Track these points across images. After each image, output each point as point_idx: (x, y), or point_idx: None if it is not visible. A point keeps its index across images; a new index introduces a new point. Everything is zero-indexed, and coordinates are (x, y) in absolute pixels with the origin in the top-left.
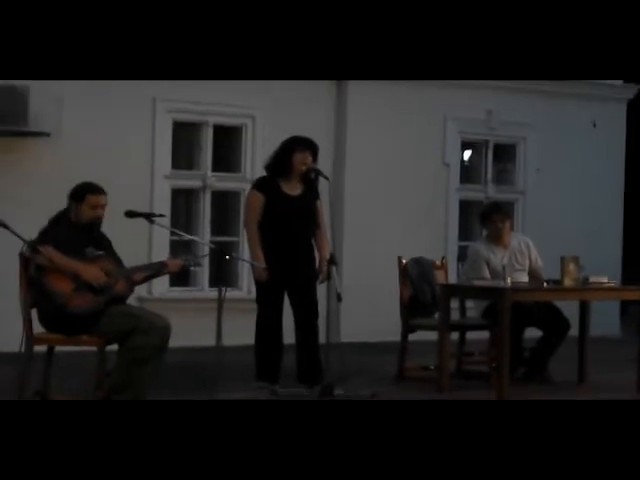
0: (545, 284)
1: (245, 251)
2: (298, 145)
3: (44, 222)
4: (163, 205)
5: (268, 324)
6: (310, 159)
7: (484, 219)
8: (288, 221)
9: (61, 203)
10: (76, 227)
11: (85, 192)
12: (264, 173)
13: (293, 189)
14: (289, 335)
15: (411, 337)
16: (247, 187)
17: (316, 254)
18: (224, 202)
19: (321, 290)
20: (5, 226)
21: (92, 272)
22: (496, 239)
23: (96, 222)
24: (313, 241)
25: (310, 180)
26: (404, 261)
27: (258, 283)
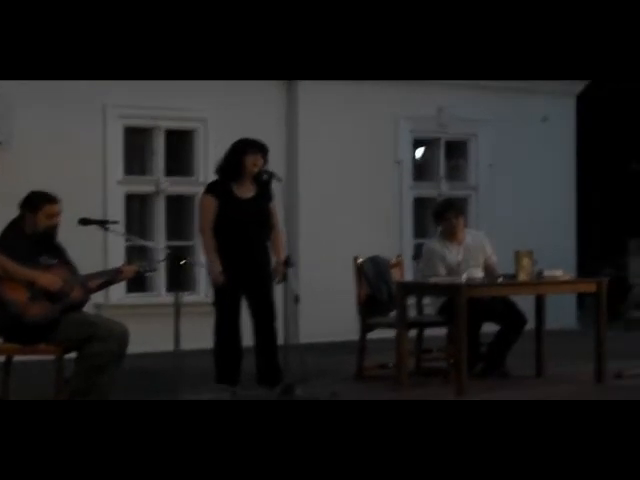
0: (500, 279)
1: (201, 255)
2: (248, 147)
3: None
4: (117, 211)
5: (226, 327)
6: (261, 161)
7: (438, 216)
8: (242, 224)
9: (13, 211)
10: (29, 236)
11: (40, 201)
12: (216, 177)
13: (246, 192)
14: (248, 337)
15: (369, 336)
16: (201, 191)
17: (272, 256)
18: (178, 206)
19: (278, 292)
20: None
21: (47, 279)
22: (450, 236)
23: (52, 231)
24: (268, 243)
25: (263, 182)
26: (360, 260)
27: (215, 287)
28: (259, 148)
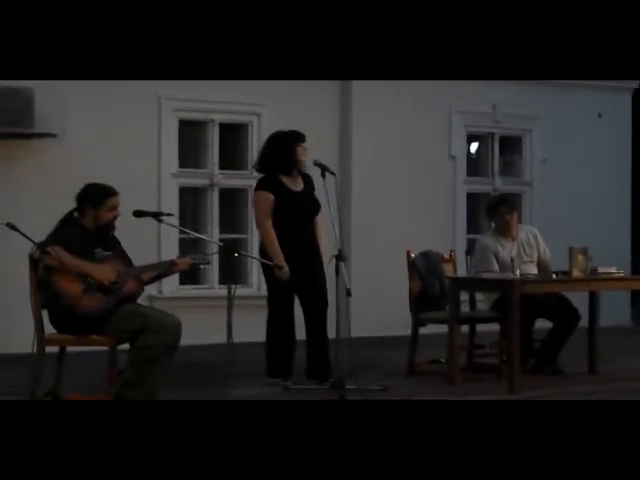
0: (554, 275)
1: (254, 248)
2: (295, 138)
3: (52, 223)
4: (171, 204)
5: (280, 321)
6: (306, 150)
7: (492, 212)
8: (297, 218)
9: (69, 204)
10: (86, 228)
11: (103, 195)
12: (260, 173)
13: (297, 185)
14: (299, 331)
15: (421, 331)
16: (254, 184)
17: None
18: (232, 200)
19: (330, 286)
20: (14, 228)
21: (101, 271)
22: (504, 231)
23: (113, 223)
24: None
25: (306, 173)
26: (412, 255)
27: (270, 281)
28: (303, 139)
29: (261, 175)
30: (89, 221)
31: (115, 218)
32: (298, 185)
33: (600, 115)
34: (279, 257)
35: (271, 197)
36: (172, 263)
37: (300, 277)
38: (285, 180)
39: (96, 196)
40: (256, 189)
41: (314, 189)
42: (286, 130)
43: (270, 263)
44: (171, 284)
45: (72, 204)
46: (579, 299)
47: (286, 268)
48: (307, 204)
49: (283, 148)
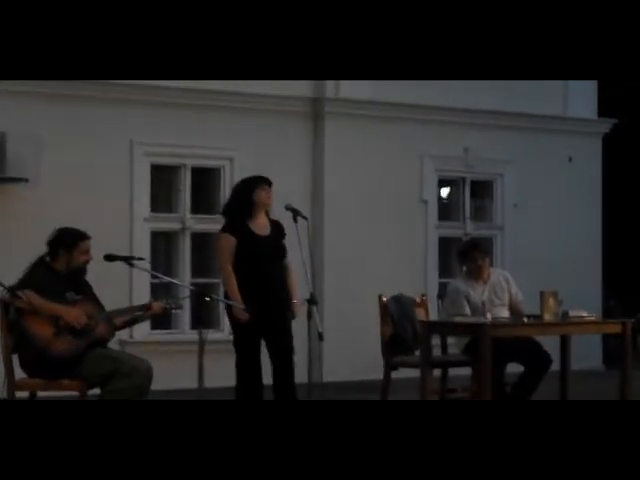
0: (525, 319)
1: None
2: (258, 182)
3: (23, 267)
4: (143, 248)
5: (248, 367)
6: (271, 193)
7: (464, 256)
8: (261, 262)
9: (40, 248)
10: (58, 272)
11: (76, 239)
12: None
13: (262, 229)
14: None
15: (393, 375)
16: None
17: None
18: (204, 244)
19: (302, 329)
20: None
21: (72, 315)
22: (476, 275)
23: (85, 267)
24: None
25: (274, 220)
26: (384, 299)
27: (235, 326)
28: (267, 182)
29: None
30: (61, 265)
31: (87, 262)
32: (264, 230)
33: (570, 159)
34: (235, 298)
35: (233, 240)
36: (147, 307)
37: (265, 321)
38: (250, 224)
39: (68, 240)
40: (220, 232)
41: (283, 236)
42: (255, 175)
43: (239, 305)
44: (143, 329)
45: (43, 248)
46: (550, 343)
47: (245, 309)
48: (272, 248)
49: (244, 192)
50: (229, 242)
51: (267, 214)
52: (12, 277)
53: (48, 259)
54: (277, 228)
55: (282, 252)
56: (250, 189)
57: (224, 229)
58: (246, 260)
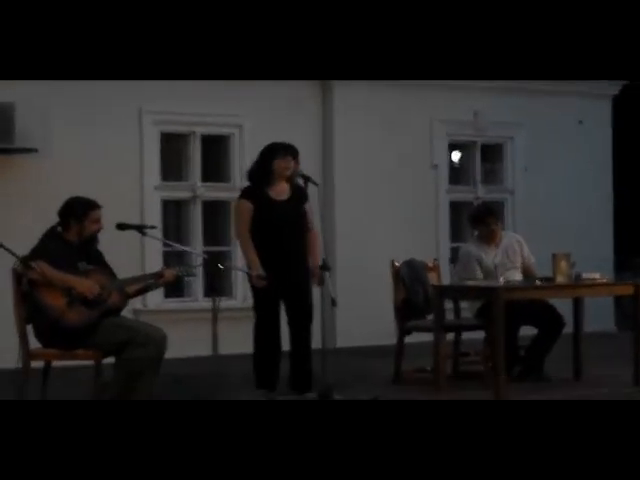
0: (538, 282)
1: (238, 260)
2: (278, 151)
3: (34, 238)
4: (154, 217)
5: (266, 332)
6: (292, 163)
7: (477, 221)
8: (278, 227)
9: (51, 219)
10: (70, 242)
11: (86, 208)
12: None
13: (280, 195)
14: (284, 342)
15: (407, 339)
16: (237, 196)
17: (309, 258)
18: (215, 212)
19: (315, 296)
20: None
21: (85, 285)
22: (488, 239)
23: (96, 237)
24: (304, 246)
25: (297, 184)
26: (397, 264)
27: (255, 291)
28: (288, 151)
29: (246, 185)
30: (72, 235)
31: (98, 231)
32: (282, 195)
33: (581, 122)
34: (254, 265)
35: (250, 206)
36: (159, 274)
37: (284, 286)
38: (269, 190)
39: (79, 209)
40: (238, 198)
41: (303, 201)
42: (280, 142)
43: (250, 272)
44: (156, 297)
45: (55, 219)
46: (563, 305)
47: (263, 275)
48: (290, 213)
49: (265, 159)
50: (246, 208)
51: (289, 180)
52: (24, 248)
53: (60, 229)
54: (298, 193)
55: (301, 216)
56: (271, 157)
57: (242, 195)
58: (263, 225)
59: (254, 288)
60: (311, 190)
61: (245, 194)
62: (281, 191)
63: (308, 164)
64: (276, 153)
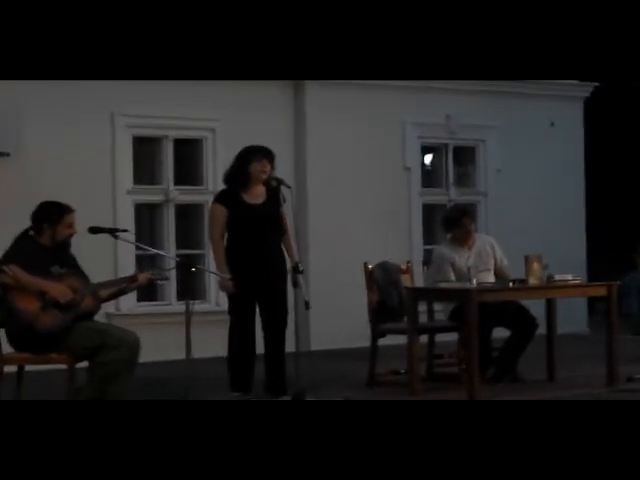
0: (511, 283)
1: (211, 263)
2: (254, 154)
3: (7, 242)
4: (127, 220)
5: (241, 334)
6: (269, 167)
7: (451, 223)
8: (253, 230)
9: (24, 222)
10: (43, 246)
11: (60, 212)
12: (225, 186)
13: (255, 198)
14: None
15: (380, 342)
16: (210, 199)
17: (287, 260)
18: (187, 215)
19: (289, 298)
20: None
21: (58, 290)
22: (462, 241)
23: (69, 241)
24: (281, 248)
25: (272, 188)
26: (370, 266)
27: (229, 295)
28: (265, 154)
29: (221, 188)
30: (45, 239)
31: (71, 235)
32: (257, 198)
33: (553, 124)
34: (222, 269)
35: (223, 210)
36: (133, 278)
37: (260, 290)
38: (244, 194)
39: (52, 213)
40: (212, 202)
41: (280, 203)
42: (256, 145)
43: (224, 276)
44: (129, 301)
45: (27, 222)
46: (536, 307)
47: (229, 277)
48: (265, 217)
49: (241, 162)
50: (220, 212)
51: (265, 183)
52: None
53: (32, 233)
54: (274, 196)
55: (278, 219)
56: (247, 160)
57: (216, 199)
58: (238, 229)
59: (228, 293)
60: (284, 193)
61: (219, 198)
62: (257, 194)
63: (281, 167)
64: (253, 156)
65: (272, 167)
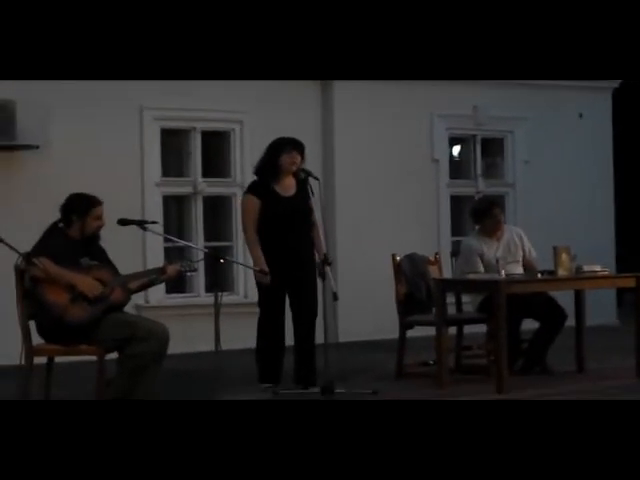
0: (539, 275)
1: (239, 255)
2: (284, 146)
3: (36, 234)
4: (155, 213)
5: (271, 326)
6: (299, 158)
7: (482, 213)
8: (285, 222)
9: (53, 215)
10: (72, 238)
11: (89, 205)
12: (254, 177)
13: (286, 190)
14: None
15: (409, 333)
16: (237, 192)
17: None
18: (216, 207)
19: (318, 290)
20: (0, 240)
21: (87, 283)
22: (491, 232)
23: (98, 233)
24: (311, 240)
25: (302, 180)
26: (398, 258)
27: (259, 286)
28: (295, 146)
29: (252, 180)
30: (74, 231)
31: (100, 228)
32: (288, 190)
33: (581, 115)
34: (259, 261)
35: (256, 201)
36: (162, 270)
37: (290, 282)
38: (275, 185)
39: (81, 206)
40: (244, 194)
41: (310, 195)
42: (286, 137)
43: (253, 268)
44: (158, 293)
45: (56, 215)
46: (565, 299)
47: (266, 271)
48: (296, 208)
49: (271, 154)
50: (252, 204)
51: (295, 175)
52: (26, 244)
53: (61, 225)
54: (304, 188)
55: (308, 212)
56: (277, 152)
57: (248, 190)
58: (271, 221)
59: (259, 283)
60: (312, 185)
61: (251, 189)
62: (288, 186)
63: (309, 159)
64: (283, 148)
65: (302, 159)
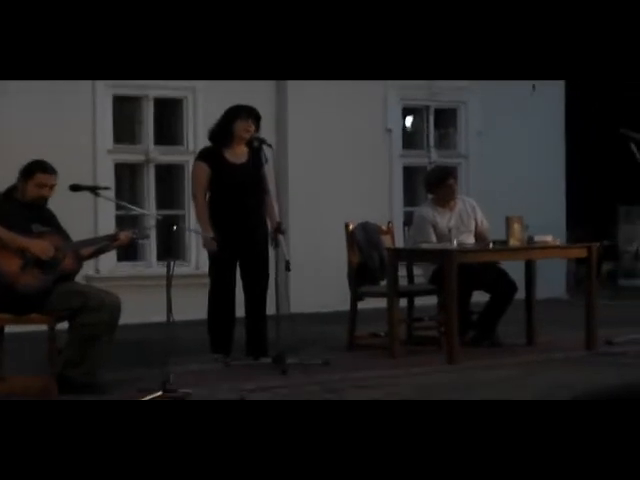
0: (491, 245)
1: (192, 223)
2: (240, 113)
3: None
4: (107, 180)
5: (221, 296)
6: (253, 127)
7: (437, 183)
8: (234, 189)
9: (4, 181)
10: (21, 203)
11: (34, 170)
12: (208, 144)
13: (237, 157)
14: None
15: (360, 305)
16: (190, 160)
17: (267, 221)
18: (168, 175)
19: (269, 260)
20: None
21: (40, 246)
22: (444, 202)
23: (40, 202)
24: (263, 209)
25: (255, 148)
26: (351, 227)
27: (210, 255)
28: (250, 114)
29: (204, 146)
30: (19, 195)
31: (43, 197)
32: (240, 158)
33: (534, 87)
34: (205, 227)
35: (206, 168)
36: (114, 237)
37: (242, 250)
38: (226, 152)
39: (28, 169)
40: (194, 160)
41: (263, 163)
42: (244, 105)
43: (202, 233)
44: (109, 262)
45: (7, 181)
46: (515, 272)
47: (213, 236)
48: (247, 176)
49: (225, 120)
50: (201, 170)
51: (248, 144)
52: None
53: (15, 190)
54: (257, 156)
55: (260, 180)
56: (232, 118)
57: (198, 157)
58: (221, 188)
59: (210, 252)
60: (265, 153)
61: (201, 156)
62: (239, 154)
63: (262, 126)
64: (238, 115)
65: (257, 128)
